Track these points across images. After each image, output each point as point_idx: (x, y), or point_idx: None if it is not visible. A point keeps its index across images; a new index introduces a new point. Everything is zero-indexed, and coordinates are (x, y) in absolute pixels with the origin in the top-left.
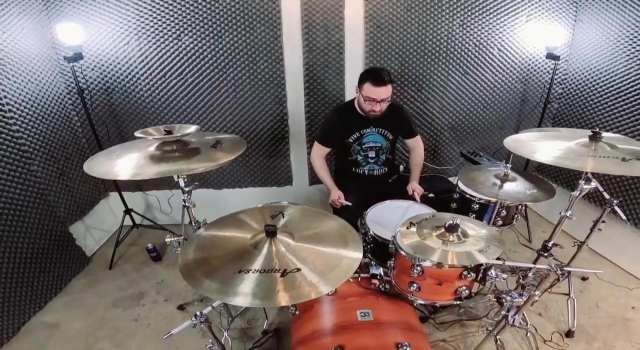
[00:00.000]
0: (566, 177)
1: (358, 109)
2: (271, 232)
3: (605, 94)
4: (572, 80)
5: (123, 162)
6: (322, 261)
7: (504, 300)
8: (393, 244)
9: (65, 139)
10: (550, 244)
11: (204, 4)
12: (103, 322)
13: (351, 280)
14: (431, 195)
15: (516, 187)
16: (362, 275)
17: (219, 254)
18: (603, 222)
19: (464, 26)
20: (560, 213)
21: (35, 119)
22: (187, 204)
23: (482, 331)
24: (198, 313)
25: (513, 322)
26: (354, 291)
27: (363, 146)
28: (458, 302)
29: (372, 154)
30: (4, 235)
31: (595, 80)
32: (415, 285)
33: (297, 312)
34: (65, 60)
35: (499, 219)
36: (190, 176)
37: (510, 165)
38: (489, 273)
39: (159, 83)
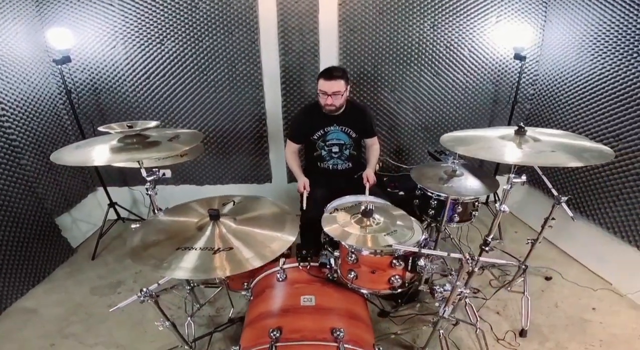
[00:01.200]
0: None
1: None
2: (214, 216)
3: (572, 94)
4: (542, 80)
5: (86, 152)
6: (257, 241)
7: (435, 292)
8: None
9: (55, 135)
10: (489, 238)
11: (185, 10)
12: (78, 308)
13: (300, 267)
14: (401, 193)
15: (462, 182)
16: (312, 264)
17: (167, 236)
18: (553, 219)
19: (435, 28)
20: (501, 209)
21: (27, 117)
22: (149, 193)
23: (429, 325)
24: (144, 289)
25: (443, 313)
26: (303, 278)
27: (327, 143)
28: (391, 291)
29: (335, 149)
30: None
31: (563, 81)
32: (353, 273)
33: (252, 298)
34: (55, 62)
35: (455, 215)
36: (175, 173)
37: (457, 161)
38: (418, 263)
39: (143, 84)
